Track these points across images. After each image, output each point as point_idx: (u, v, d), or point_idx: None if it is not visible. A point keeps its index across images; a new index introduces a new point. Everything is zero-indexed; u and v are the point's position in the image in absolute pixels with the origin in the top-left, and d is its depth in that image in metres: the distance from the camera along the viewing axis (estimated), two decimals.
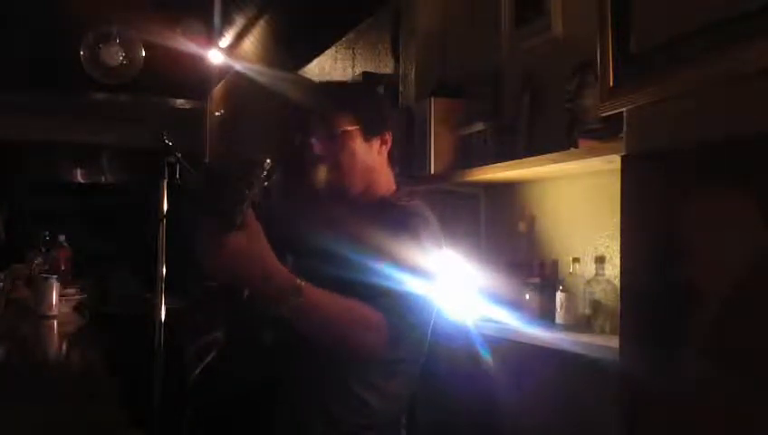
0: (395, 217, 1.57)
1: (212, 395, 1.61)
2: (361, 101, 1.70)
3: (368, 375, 1.53)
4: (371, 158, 1.66)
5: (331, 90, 1.97)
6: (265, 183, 1.32)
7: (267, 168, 1.32)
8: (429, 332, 1.61)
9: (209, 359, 1.63)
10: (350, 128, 1.62)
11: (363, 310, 1.42)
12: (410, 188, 1.74)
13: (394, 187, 1.71)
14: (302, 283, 1.36)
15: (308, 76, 4.55)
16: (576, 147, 1.85)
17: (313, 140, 1.63)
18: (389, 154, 1.70)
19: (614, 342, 1.44)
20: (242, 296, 1.50)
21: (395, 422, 1.61)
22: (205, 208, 1.30)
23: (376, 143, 1.66)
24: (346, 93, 1.80)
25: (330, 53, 4.27)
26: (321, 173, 1.62)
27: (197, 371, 1.62)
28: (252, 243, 1.32)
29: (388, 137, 1.68)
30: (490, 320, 2.12)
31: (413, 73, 2.80)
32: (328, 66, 4.30)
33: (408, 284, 1.46)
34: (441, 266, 1.60)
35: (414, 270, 1.48)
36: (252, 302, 1.47)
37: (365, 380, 1.53)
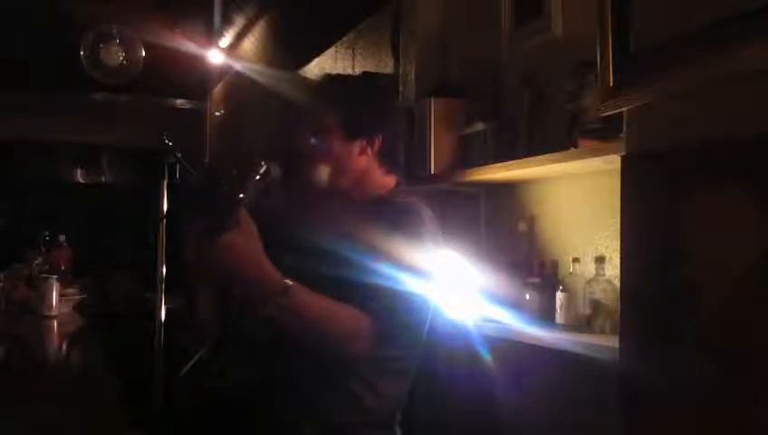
0: (390, 214, 1.55)
1: (203, 394, 1.60)
2: (345, 102, 1.65)
3: (363, 373, 1.52)
4: (353, 158, 1.61)
5: (320, 88, 1.90)
6: (260, 186, 1.33)
7: (262, 171, 1.33)
8: (425, 330, 1.61)
9: (199, 355, 1.62)
10: (329, 127, 1.61)
11: (351, 314, 1.42)
12: (408, 188, 1.71)
13: (391, 186, 1.68)
14: (291, 283, 1.37)
15: (308, 76, 4.55)
16: (576, 147, 1.85)
17: (301, 138, 1.63)
18: (383, 155, 1.65)
19: (614, 342, 1.44)
20: (231, 294, 1.50)
21: (390, 421, 1.61)
22: (198, 209, 1.30)
23: (359, 144, 1.62)
24: (332, 92, 1.73)
25: (330, 53, 4.27)
26: (309, 171, 1.62)
27: (186, 367, 1.61)
28: (245, 243, 1.32)
29: (377, 138, 1.62)
30: (490, 320, 2.12)
31: (413, 73, 2.80)
32: (328, 66, 4.29)
33: (403, 282, 1.46)
34: (438, 264, 1.60)
35: (409, 268, 1.47)
36: (243, 300, 1.47)
37: (360, 377, 1.52)
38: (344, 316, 1.43)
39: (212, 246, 1.28)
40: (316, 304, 1.41)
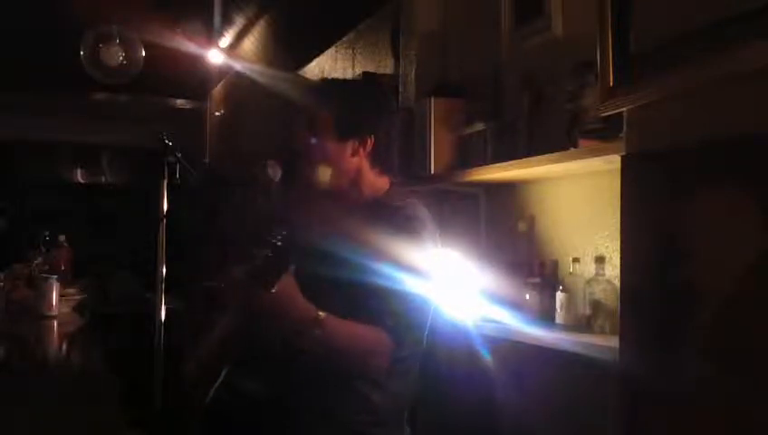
0: (389, 217, 1.56)
1: (227, 411, 1.61)
2: (339, 101, 1.66)
3: (371, 375, 1.54)
4: (346, 158, 1.62)
5: (315, 88, 1.91)
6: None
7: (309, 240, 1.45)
8: (426, 329, 1.62)
9: (222, 377, 1.64)
10: (323, 126, 1.62)
11: (374, 334, 1.47)
12: (405, 189, 1.72)
13: (385, 187, 1.68)
14: (323, 314, 1.43)
15: (308, 76, 4.55)
16: (576, 147, 1.85)
17: (297, 138, 1.65)
18: (375, 156, 1.65)
19: (614, 342, 1.44)
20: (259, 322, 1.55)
21: (399, 419, 1.62)
22: (244, 271, 1.40)
23: (351, 144, 1.62)
24: (326, 92, 1.74)
25: (330, 53, 4.27)
26: (305, 171, 1.63)
27: (214, 388, 1.63)
28: (287, 289, 1.41)
29: (369, 139, 1.63)
30: (490, 320, 2.12)
31: (413, 73, 2.80)
32: (328, 66, 4.30)
33: (405, 283, 1.48)
34: (437, 265, 1.61)
35: (409, 269, 1.49)
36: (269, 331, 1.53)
37: (368, 378, 1.54)
38: (369, 338, 1.48)
39: (261, 295, 1.39)
40: (344, 329, 1.47)
